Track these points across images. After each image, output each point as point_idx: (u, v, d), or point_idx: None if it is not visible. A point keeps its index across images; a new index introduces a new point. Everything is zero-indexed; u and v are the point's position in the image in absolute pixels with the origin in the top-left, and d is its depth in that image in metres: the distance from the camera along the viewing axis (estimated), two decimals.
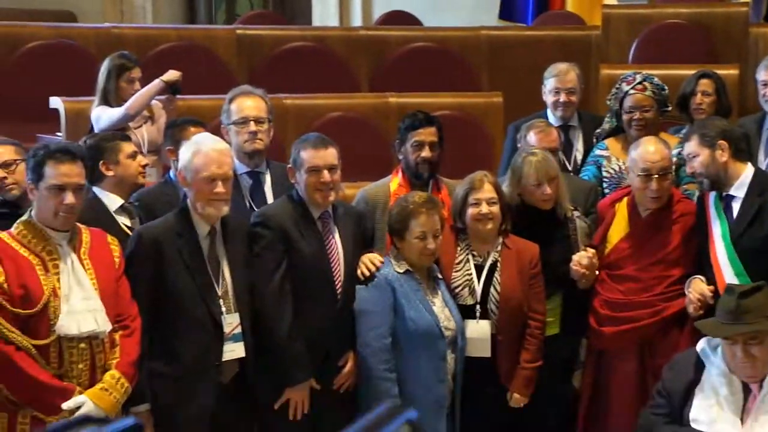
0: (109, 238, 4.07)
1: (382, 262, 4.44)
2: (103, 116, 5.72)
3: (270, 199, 4.66)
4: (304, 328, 4.29)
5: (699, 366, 4.01)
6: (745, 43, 7.60)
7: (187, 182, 4.13)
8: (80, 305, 3.82)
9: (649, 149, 4.63)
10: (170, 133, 4.93)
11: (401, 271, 4.39)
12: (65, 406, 3.77)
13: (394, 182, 4.77)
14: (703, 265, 4.58)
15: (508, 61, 7.77)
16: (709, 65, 6.21)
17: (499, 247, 4.59)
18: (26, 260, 3.80)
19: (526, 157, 4.70)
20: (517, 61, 7.66)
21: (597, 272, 4.70)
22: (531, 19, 9.64)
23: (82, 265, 3.88)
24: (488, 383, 4.51)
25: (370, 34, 8.23)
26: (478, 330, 4.50)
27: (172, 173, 4.71)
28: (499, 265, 4.56)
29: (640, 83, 5.28)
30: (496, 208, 4.54)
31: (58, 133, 6.31)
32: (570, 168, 5.56)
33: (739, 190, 4.55)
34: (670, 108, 5.42)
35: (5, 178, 4.59)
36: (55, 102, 6.41)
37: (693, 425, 3.94)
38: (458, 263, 4.57)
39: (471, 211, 4.54)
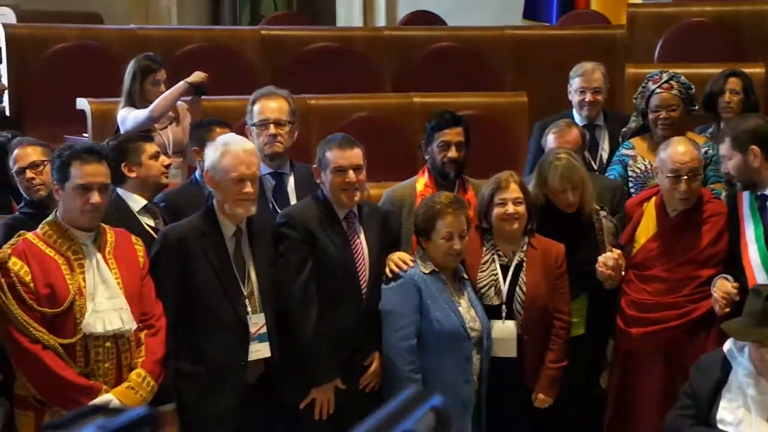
0: (134, 238, 4.10)
1: (413, 261, 4.44)
2: (128, 118, 5.75)
3: (293, 200, 4.66)
4: (329, 328, 4.30)
5: (726, 367, 3.99)
6: None
7: (214, 182, 4.14)
8: (105, 304, 3.86)
9: (678, 150, 4.61)
10: (196, 134, 4.95)
11: (427, 271, 4.39)
12: (92, 404, 3.79)
13: (420, 182, 4.77)
14: (734, 267, 4.54)
15: (533, 61, 7.74)
16: (734, 64, 6.17)
17: (525, 247, 4.58)
18: (52, 260, 3.84)
19: (553, 161, 4.69)
20: (542, 60, 7.64)
21: (623, 273, 4.68)
22: (555, 19, 9.61)
23: (107, 264, 3.91)
24: (514, 384, 4.50)
25: (395, 34, 8.24)
26: (504, 330, 4.49)
27: (197, 174, 4.73)
28: (524, 265, 4.55)
29: (666, 82, 5.26)
30: (521, 208, 4.53)
31: (85, 134, 6.34)
32: (596, 167, 5.54)
33: None
34: (696, 107, 5.39)
35: (33, 178, 4.62)
36: (82, 103, 6.45)
37: (720, 426, 3.92)
38: (484, 263, 4.56)
39: (497, 211, 4.53)
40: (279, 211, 4.53)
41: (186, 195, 4.66)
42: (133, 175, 4.37)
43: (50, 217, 3.94)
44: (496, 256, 4.58)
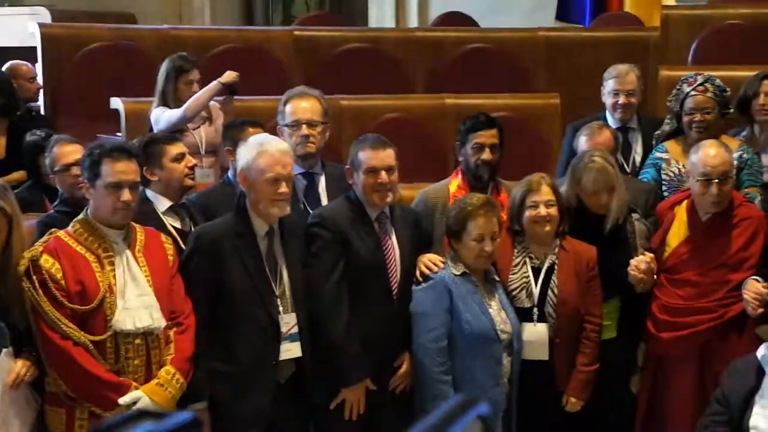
0: (163, 236, 4.12)
1: (444, 263, 4.43)
2: (162, 117, 5.77)
3: (324, 200, 4.66)
4: (360, 328, 4.29)
5: (759, 372, 3.95)
6: None
7: (248, 183, 4.14)
8: (135, 301, 3.88)
9: (709, 153, 4.57)
10: (228, 134, 4.95)
11: (458, 273, 4.38)
12: (121, 401, 3.83)
13: (453, 184, 4.76)
14: None
15: (566, 63, 7.72)
16: None
17: (557, 250, 4.56)
18: (83, 257, 3.86)
19: (587, 163, 4.66)
20: (574, 62, 7.61)
21: (655, 277, 4.65)
22: (588, 20, 9.57)
23: (137, 262, 3.93)
24: (545, 387, 4.48)
25: (427, 36, 8.23)
26: (536, 333, 4.47)
27: (230, 174, 4.74)
28: (556, 267, 4.53)
29: (701, 84, 5.21)
30: (553, 210, 4.51)
31: (118, 133, 6.38)
32: (628, 170, 5.51)
33: None
34: (731, 110, 5.35)
35: (79, 175, 4.62)
36: (116, 102, 6.49)
37: None
38: (515, 266, 4.55)
39: (528, 213, 4.52)
40: (310, 211, 4.53)
41: (219, 195, 4.66)
42: (155, 178, 4.35)
43: (81, 215, 3.96)
44: (527, 259, 4.56)
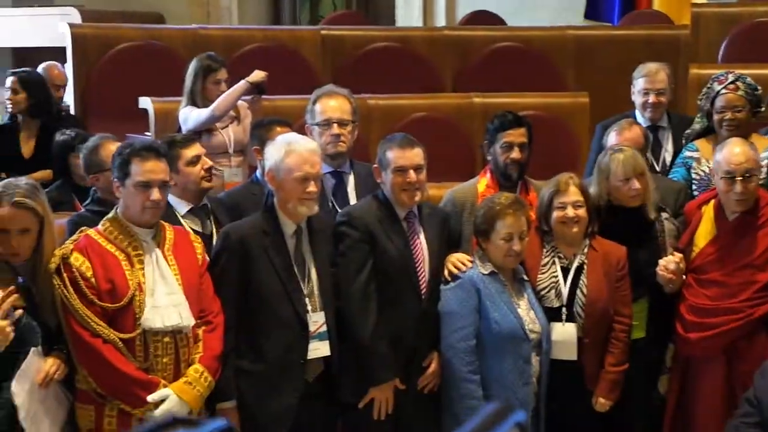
0: (192, 235, 4.13)
1: (471, 262, 4.41)
2: (190, 117, 5.79)
3: (353, 199, 4.66)
4: (388, 327, 4.30)
5: None
6: None
7: (276, 182, 4.15)
8: (164, 300, 3.89)
9: (733, 150, 4.54)
10: (256, 133, 4.96)
11: (486, 272, 4.37)
12: (150, 398, 3.84)
13: (482, 183, 4.74)
14: None
15: (595, 61, 7.68)
16: None
17: (586, 250, 4.54)
18: (113, 256, 3.88)
19: (613, 154, 4.65)
20: (603, 61, 7.58)
21: (684, 277, 4.62)
22: (617, 19, 9.52)
23: (166, 260, 3.95)
24: (573, 387, 4.46)
25: (455, 34, 8.21)
26: (564, 333, 4.45)
27: (258, 173, 4.74)
28: (585, 267, 4.51)
29: (732, 83, 5.17)
30: (581, 211, 4.49)
31: (147, 133, 6.40)
32: (658, 169, 5.48)
33: None
34: (762, 108, 5.30)
35: None
36: (144, 102, 6.51)
37: None
38: (544, 265, 4.53)
39: (556, 214, 4.50)
40: (339, 210, 4.53)
41: (247, 194, 4.67)
42: (172, 182, 4.33)
43: (111, 214, 3.98)
44: (556, 258, 4.54)
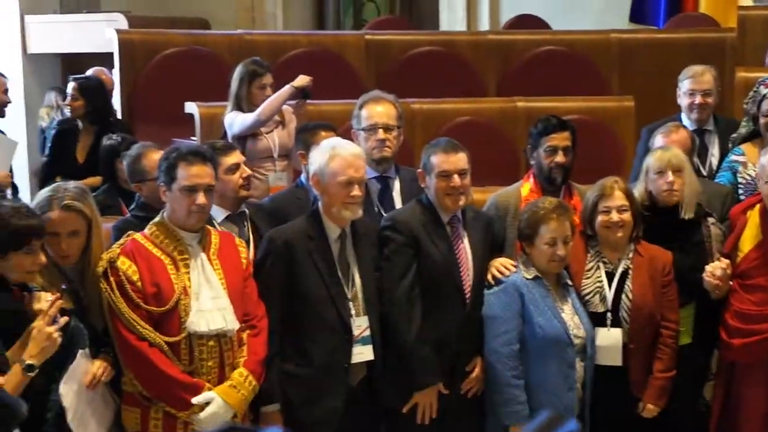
0: (237, 240, 4.16)
1: (515, 266, 4.41)
2: (236, 122, 5.83)
3: (398, 203, 4.67)
4: (432, 332, 4.29)
5: None
6: None
7: (321, 186, 4.17)
8: (209, 303, 3.91)
9: None
10: (302, 137, 4.98)
11: (530, 276, 4.36)
12: (195, 401, 3.86)
13: (525, 187, 4.74)
14: None
15: (639, 65, 7.63)
16: None
17: (631, 254, 4.52)
18: (158, 260, 3.91)
19: (657, 150, 4.66)
20: (648, 64, 7.53)
21: (730, 282, 4.58)
22: (663, 22, 9.45)
23: (211, 264, 3.96)
24: (619, 392, 4.44)
25: (498, 38, 8.20)
26: (609, 338, 4.43)
27: (303, 177, 4.76)
28: (630, 272, 4.49)
29: None
30: (626, 216, 4.47)
31: (193, 137, 6.46)
32: (705, 173, 5.44)
33: None
34: None
35: None
36: (191, 107, 6.56)
37: None
38: (588, 270, 4.51)
39: (601, 218, 4.48)
40: (384, 214, 4.54)
41: (291, 198, 4.69)
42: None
43: (157, 218, 4.01)
44: (601, 263, 4.52)
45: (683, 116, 5.68)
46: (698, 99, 5.64)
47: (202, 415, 3.86)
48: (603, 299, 4.47)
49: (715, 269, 4.51)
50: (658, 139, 5.01)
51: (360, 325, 4.18)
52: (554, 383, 4.30)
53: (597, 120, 6.71)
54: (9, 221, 3.60)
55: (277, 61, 7.12)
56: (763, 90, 5.17)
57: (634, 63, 7.71)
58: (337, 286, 4.16)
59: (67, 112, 6.85)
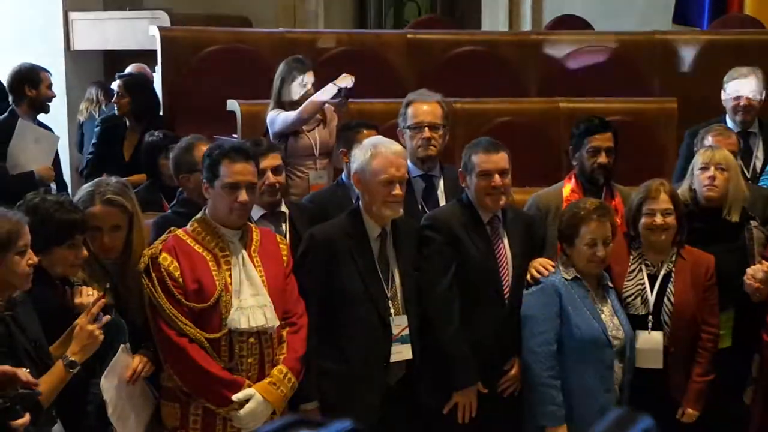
0: (278, 237, 4.17)
1: (554, 266, 4.39)
2: (277, 120, 5.82)
3: (442, 202, 4.68)
4: (471, 331, 4.29)
5: None
6: None
7: (362, 184, 4.17)
8: (250, 300, 3.92)
9: None
10: (344, 135, 4.98)
11: (569, 277, 4.34)
12: (235, 398, 3.87)
13: (567, 188, 4.72)
14: None
15: (682, 67, 7.57)
16: None
17: (674, 258, 4.49)
18: (200, 256, 3.92)
19: (705, 148, 4.64)
20: (692, 66, 7.46)
21: None
22: (707, 23, 9.37)
23: (252, 262, 3.97)
24: (658, 396, 4.40)
25: (541, 39, 8.16)
26: (650, 341, 4.40)
27: (344, 175, 4.77)
28: (673, 275, 4.46)
29: None
30: (671, 219, 4.43)
31: (234, 135, 6.47)
32: (749, 176, 5.39)
33: None
34: None
35: None
36: (232, 104, 6.58)
37: None
38: (631, 272, 4.48)
39: (644, 220, 4.45)
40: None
41: (332, 196, 4.70)
42: None
43: (199, 215, 4.02)
44: (643, 266, 4.49)
45: (727, 118, 5.63)
46: (744, 101, 5.59)
47: (242, 412, 3.87)
48: (644, 302, 4.44)
49: (756, 273, 4.47)
50: (708, 139, 4.97)
51: (399, 323, 4.18)
52: (592, 384, 4.28)
53: (639, 122, 6.66)
54: (53, 215, 3.64)
55: (319, 59, 7.12)
56: None
57: (678, 64, 7.64)
58: (376, 285, 4.16)
59: (107, 109, 6.88)
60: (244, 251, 3.98)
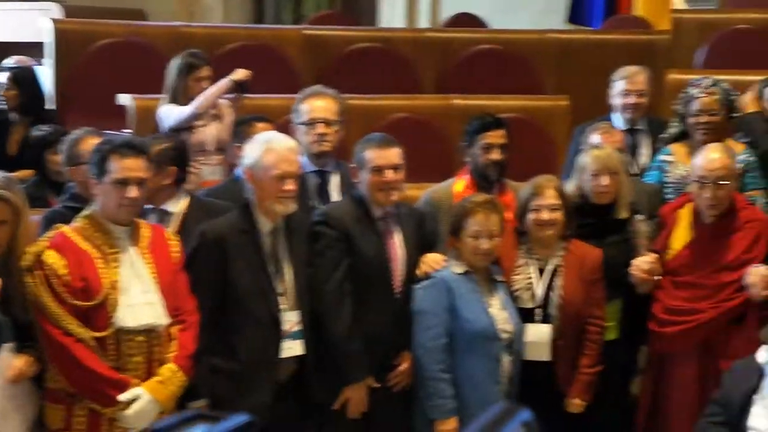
0: (168, 233, 4.11)
1: (446, 262, 4.43)
2: (171, 114, 5.77)
3: (336, 198, 4.66)
4: (363, 327, 4.30)
5: (760, 373, 3.94)
6: None
7: (254, 179, 4.15)
8: (139, 298, 3.87)
9: (709, 157, 4.60)
10: (238, 130, 4.96)
11: (460, 271, 4.38)
12: (121, 398, 3.81)
13: (459, 184, 4.76)
14: None
15: (575, 65, 7.70)
16: None
17: (561, 252, 4.56)
18: (87, 253, 3.85)
19: (591, 150, 4.72)
20: (583, 64, 7.60)
21: (659, 278, 4.64)
22: (599, 23, 9.56)
23: (142, 258, 3.92)
24: (546, 387, 4.48)
25: (437, 36, 8.22)
26: (538, 333, 4.47)
27: (239, 171, 4.74)
28: (560, 269, 4.53)
29: (708, 87, 5.20)
30: (557, 215, 4.51)
31: (126, 130, 6.38)
32: (636, 171, 5.51)
33: None
34: (738, 114, 5.34)
35: None
36: (124, 99, 6.49)
37: None
38: (519, 266, 4.55)
39: (532, 216, 4.52)
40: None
41: (226, 192, 4.66)
42: None
43: (87, 211, 3.96)
44: (532, 260, 4.56)
45: (615, 116, 5.75)
46: (632, 99, 5.71)
47: (129, 411, 3.81)
48: (533, 295, 4.51)
49: (642, 264, 4.58)
50: (594, 137, 5.06)
51: (290, 319, 4.17)
52: (480, 377, 4.32)
53: (532, 119, 6.76)
54: None
55: (215, 54, 7.06)
56: (693, 91, 5.23)
57: (570, 63, 7.77)
58: (267, 281, 4.15)
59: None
60: (133, 248, 3.92)
